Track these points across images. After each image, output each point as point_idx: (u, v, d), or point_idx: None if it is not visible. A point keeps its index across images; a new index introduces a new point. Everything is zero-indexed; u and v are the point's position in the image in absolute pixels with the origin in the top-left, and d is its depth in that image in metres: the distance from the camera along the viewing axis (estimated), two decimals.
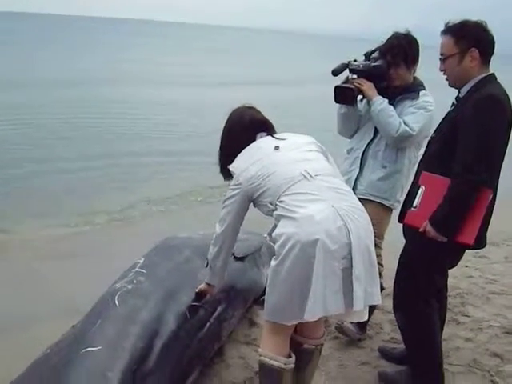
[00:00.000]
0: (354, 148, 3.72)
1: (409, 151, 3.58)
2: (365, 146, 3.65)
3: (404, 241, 3.28)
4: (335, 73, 3.58)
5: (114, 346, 2.65)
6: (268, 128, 2.96)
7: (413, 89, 3.55)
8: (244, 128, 2.91)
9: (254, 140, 2.87)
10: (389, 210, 3.65)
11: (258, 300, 4.13)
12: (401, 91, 3.56)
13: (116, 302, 2.93)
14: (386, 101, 3.49)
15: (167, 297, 3.07)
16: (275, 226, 2.63)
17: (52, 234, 6.00)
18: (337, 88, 3.58)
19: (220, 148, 3.03)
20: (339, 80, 3.62)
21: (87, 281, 4.49)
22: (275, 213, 2.60)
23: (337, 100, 3.62)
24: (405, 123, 3.42)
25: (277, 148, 2.75)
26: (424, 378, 3.32)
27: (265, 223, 3.34)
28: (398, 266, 3.26)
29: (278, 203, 2.58)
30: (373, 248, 2.62)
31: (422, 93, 3.53)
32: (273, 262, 2.54)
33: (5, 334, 3.94)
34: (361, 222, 2.56)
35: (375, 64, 3.52)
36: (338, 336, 3.86)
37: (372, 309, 3.06)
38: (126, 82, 19.43)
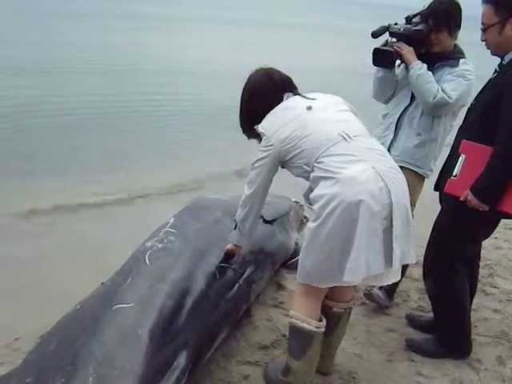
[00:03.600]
0: (390, 114, 3.64)
1: (444, 120, 3.50)
2: (400, 112, 3.57)
3: (436, 210, 3.25)
4: (375, 35, 3.50)
5: (144, 303, 2.64)
6: (294, 87, 2.89)
7: (453, 56, 3.46)
8: (274, 88, 2.83)
9: (281, 100, 2.79)
10: (421, 178, 3.60)
11: (286, 263, 4.15)
12: (441, 58, 3.47)
13: (147, 261, 2.93)
14: (425, 66, 3.40)
15: (197, 257, 3.07)
16: (311, 188, 2.60)
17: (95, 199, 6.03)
18: (375, 50, 3.50)
19: (244, 109, 2.94)
20: (378, 43, 3.53)
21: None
22: (313, 174, 2.56)
23: (375, 62, 3.54)
24: (442, 90, 3.33)
25: (309, 108, 2.68)
26: (452, 346, 3.33)
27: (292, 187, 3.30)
28: (431, 234, 3.23)
29: (315, 164, 2.53)
30: (409, 208, 2.60)
31: (462, 61, 3.44)
32: (311, 224, 2.50)
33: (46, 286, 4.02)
34: (399, 182, 2.54)
35: (416, 28, 3.42)
36: (365, 302, 3.87)
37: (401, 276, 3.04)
38: None
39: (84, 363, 2.31)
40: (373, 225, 2.41)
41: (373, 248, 2.44)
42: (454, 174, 2.98)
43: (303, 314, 2.68)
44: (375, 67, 3.60)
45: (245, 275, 3.33)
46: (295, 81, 2.92)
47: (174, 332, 2.62)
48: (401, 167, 3.15)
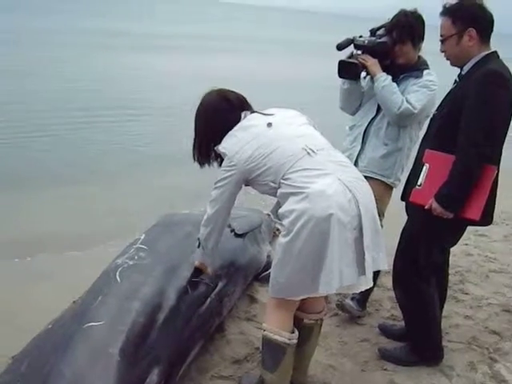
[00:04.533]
0: (357, 125, 3.68)
1: (410, 130, 3.55)
2: (367, 123, 3.62)
3: (404, 219, 3.29)
4: (340, 47, 3.53)
5: (115, 321, 2.64)
6: (249, 105, 2.89)
7: (417, 67, 3.52)
8: (229, 107, 2.81)
9: (239, 119, 2.78)
10: (389, 187, 3.64)
11: (259, 276, 4.15)
12: (405, 69, 3.52)
13: (117, 278, 2.92)
14: (390, 77, 3.45)
15: (168, 272, 3.07)
16: (279, 204, 2.62)
17: None
18: (341, 62, 3.54)
19: (201, 133, 2.89)
20: (344, 55, 3.58)
21: None
22: (280, 191, 2.57)
23: (340, 74, 3.58)
24: (407, 101, 3.38)
25: (269, 125, 2.69)
26: (423, 354, 3.36)
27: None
28: (399, 244, 3.27)
29: (282, 181, 2.55)
30: (377, 216, 2.64)
31: (425, 72, 3.49)
32: (282, 239, 2.52)
33: None
34: (365, 192, 2.59)
35: (380, 40, 3.48)
36: (337, 313, 3.88)
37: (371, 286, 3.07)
38: None
39: (56, 383, 2.29)
40: (344, 236, 2.44)
41: (346, 258, 2.47)
42: (418, 183, 3.02)
43: (276, 327, 2.69)
44: (341, 79, 3.65)
45: (217, 289, 3.33)
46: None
47: (145, 349, 2.62)
48: (368, 177, 3.28)
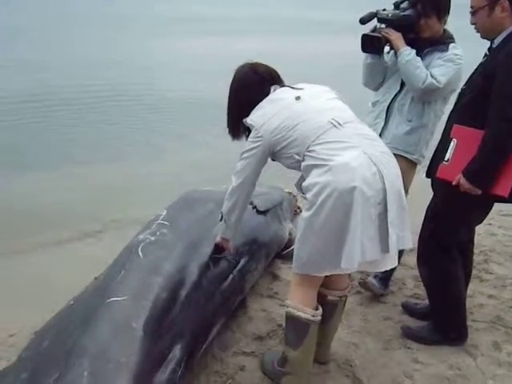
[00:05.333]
0: (380, 101, 3.61)
1: (435, 105, 3.46)
2: (390, 99, 3.54)
3: (429, 196, 3.23)
4: (363, 21, 3.45)
5: (138, 296, 2.63)
6: (280, 80, 2.87)
7: (442, 41, 3.42)
8: (260, 81, 2.80)
9: (269, 93, 2.77)
10: (413, 164, 3.56)
11: (281, 254, 4.13)
12: (430, 43, 3.42)
13: (140, 253, 2.91)
14: (414, 52, 3.37)
15: (190, 248, 3.05)
16: (302, 177, 2.58)
17: None
18: (364, 36, 3.47)
19: (231, 106, 2.91)
20: (367, 29, 3.50)
21: None
22: (304, 163, 2.54)
23: (363, 49, 3.51)
24: (432, 75, 3.30)
25: (298, 98, 2.67)
26: (447, 333, 3.32)
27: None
28: (424, 220, 3.22)
29: (307, 153, 2.51)
30: (403, 193, 2.59)
31: (451, 45, 3.39)
32: (305, 213, 2.48)
33: None
34: (392, 167, 2.54)
35: (405, 13, 3.38)
36: (360, 291, 3.86)
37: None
38: None
39: (78, 358, 2.30)
40: (367, 210, 2.40)
41: (368, 234, 2.42)
42: (445, 158, 2.96)
43: (299, 303, 2.66)
44: (364, 54, 3.58)
45: (239, 266, 3.32)
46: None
47: (168, 324, 2.61)
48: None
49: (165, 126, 8.91)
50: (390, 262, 2.63)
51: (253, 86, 2.79)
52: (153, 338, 2.47)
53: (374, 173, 2.42)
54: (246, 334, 3.32)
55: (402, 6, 3.43)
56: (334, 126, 2.53)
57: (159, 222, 3.23)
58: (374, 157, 2.45)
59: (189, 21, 24.56)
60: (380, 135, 3.44)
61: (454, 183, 2.87)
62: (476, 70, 3.00)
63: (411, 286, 4.02)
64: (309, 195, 2.46)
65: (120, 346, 2.37)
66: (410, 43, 3.41)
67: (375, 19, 3.48)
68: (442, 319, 3.33)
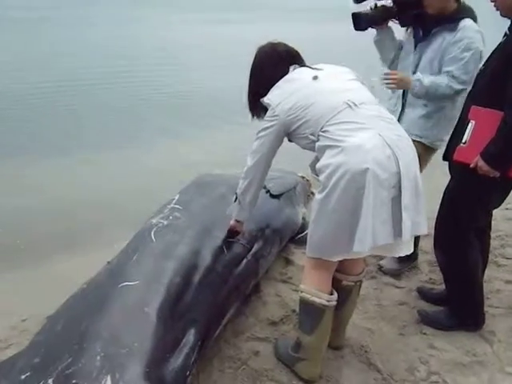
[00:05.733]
0: None
1: None
2: None
3: (445, 181, 3.18)
4: (357, 0, 3.35)
5: (151, 280, 2.61)
6: (300, 59, 2.83)
7: (451, 18, 3.20)
8: (279, 60, 2.77)
9: (287, 72, 2.74)
10: (429, 149, 3.49)
11: (294, 238, 4.10)
12: (436, 21, 3.23)
13: (153, 237, 2.89)
14: (421, 78, 3.23)
15: (204, 233, 3.03)
16: (317, 158, 2.54)
17: None
18: (353, 15, 3.38)
19: (251, 84, 2.88)
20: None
21: None
22: (318, 144, 2.49)
23: (356, 27, 3.43)
24: (453, 77, 3.18)
25: (315, 78, 2.62)
26: (464, 319, 3.27)
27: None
28: (441, 204, 3.17)
29: (321, 133, 2.47)
30: (419, 177, 2.52)
31: (461, 24, 3.17)
32: (318, 195, 2.44)
33: None
34: (408, 151, 2.47)
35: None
36: (375, 276, 3.83)
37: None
38: None
39: (91, 342, 2.28)
40: (380, 193, 2.34)
41: (380, 217, 2.37)
42: (463, 140, 2.89)
43: (314, 288, 2.63)
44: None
45: (253, 250, 3.28)
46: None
47: (181, 309, 2.59)
48: None
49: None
50: (406, 248, 2.58)
51: (271, 64, 2.77)
52: (166, 322, 2.45)
53: (389, 155, 2.36)
54: (259, 318, 3.30)
55: None
56: (350, 106, 2.47)
57: (172, 205, 3.22)
58: (389, 139, 2.39)
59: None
60: (398, 120, 3.29)
61: (471, 166, 2.80)
62: (495, 50, 2.91)
63: (426, 271, 3.97)
64: (322, 177, 2.42)
65: (133, 331, 2.34)
66: (414, 21, 3.32)
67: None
68: (459, 304, 3.28)
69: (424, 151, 3.41)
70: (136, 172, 6.09)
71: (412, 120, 3.42)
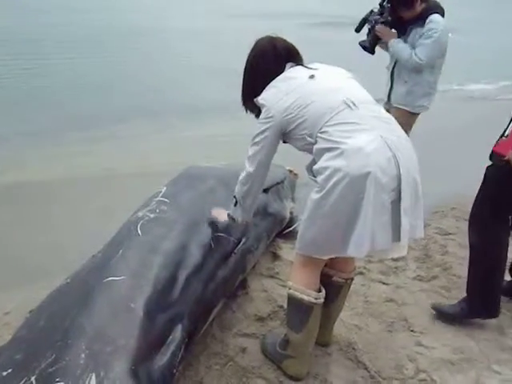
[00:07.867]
0: (388, 67, 4.57)
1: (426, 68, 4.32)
2: (393, 64, 4.50)
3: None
4: (357, 30, 4.43)
5: (137, 275, 2.54)
6: (298, 58, 2.73)
7: (421, 16, 4.18)
8: (276, 56, 2.66)
9: (283, 70, 2.64)
10: (412, 114, 4.50)
11: (282, 233, 4.06)
12: (410, 22, 4.26)
13: (138, 231, 2.83)
14: (398, 40, 4.33)
15: (191, 227, 2.97)
16: (314, 161, 2.47)
17: None
18: (360, 44, 4.48)
19: (245, 78, 2.78)
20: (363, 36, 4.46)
21: None
22: (316, 146, 2.41)
23: (366, 51, 4.49)
24: (415, 54, 4.18)
25: (312, 77, 2.54)
26: (482, 310, 3.30)
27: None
28: (482, 183, 3.19)
29: (319, 135, 2.39)
30: (419, 180, 2.46)
31: (428, 19, 4.14)
32: (314, 195, 2.37)
33: None
34: (408, 153, 2.40)
35: (382, 21, 4.31)
36: (362, 272, 3.80)
37: None
38: None
39: (76, 339, 2.22)
40: (380, 197, 2.28)
41: (380, 222, 2.31)
42: (505, 134, 2.98)
43: (302, 285, 2.59)
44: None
45: (240, 245, 3.24)
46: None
47: (168, 304, 2.53)
48: (395, 108, 4.48)
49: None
50: (399, 250, 2.53)
51: (267, 62, 2.66)
52: (152, 318, 2.39)
53: (390, 158, 2.29)
54: (246, 314, 3.26)
55: (383, 4, 4.31)
56: (348, 106, 2.40)
57: (159, 198, 3.15)
58: (390, 141, 2.33)
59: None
60: (389, 94, 4.57)
61: (505, 158, 2.85)
62: None
63: (414, 267, 3.97)
64: (319, 178, 2.34)
65: (118, 328, 2.28)
66: (395, 25, 4.33)
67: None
68: (478, 294, 3.27)
69: (407, 116, 4.44)
70: None
71: (399, 93, 4.50)
